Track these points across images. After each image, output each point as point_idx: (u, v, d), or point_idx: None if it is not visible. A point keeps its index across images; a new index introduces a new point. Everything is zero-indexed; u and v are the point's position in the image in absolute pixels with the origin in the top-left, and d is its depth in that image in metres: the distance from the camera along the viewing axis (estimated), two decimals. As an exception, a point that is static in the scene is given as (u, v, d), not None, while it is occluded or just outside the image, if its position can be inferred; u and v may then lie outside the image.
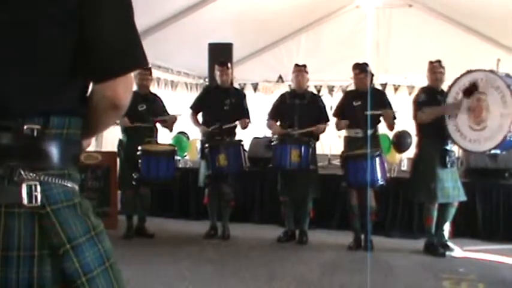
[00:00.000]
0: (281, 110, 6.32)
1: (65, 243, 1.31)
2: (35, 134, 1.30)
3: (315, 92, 9.10)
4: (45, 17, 1.30)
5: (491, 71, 5.28)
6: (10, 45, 1.30)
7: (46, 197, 1.31)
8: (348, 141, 6.03)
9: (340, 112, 6.18)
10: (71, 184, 1.38)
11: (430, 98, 5.69)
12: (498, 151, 5.48)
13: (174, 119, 6.45)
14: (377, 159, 5.72)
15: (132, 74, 1.45)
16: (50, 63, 1.33)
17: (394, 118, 5.99)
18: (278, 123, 6.32)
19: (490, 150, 5.34)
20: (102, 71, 1.37)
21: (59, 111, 1.34)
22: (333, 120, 6.28)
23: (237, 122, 6.30)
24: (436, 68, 5.75)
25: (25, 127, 1.28)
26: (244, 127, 6.38)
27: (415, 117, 5.77)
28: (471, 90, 5.27)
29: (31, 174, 1.29)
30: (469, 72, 5.41)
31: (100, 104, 1.41)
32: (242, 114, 6.37)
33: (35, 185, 1.29)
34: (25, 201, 1.28)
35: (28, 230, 1.28)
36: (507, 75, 5.27)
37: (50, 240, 1.30)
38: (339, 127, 6.18)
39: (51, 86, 1.33)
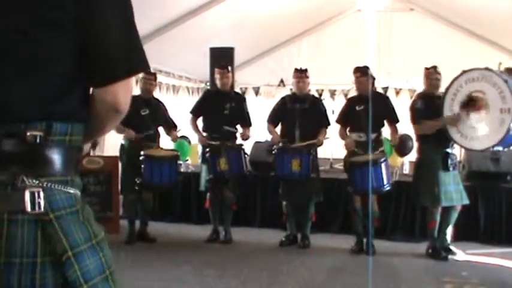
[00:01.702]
0: (282, 114, 6.30)
1: (67, 251, 1.30)
2: (38, 140, 1.29)
3: (317, 95, 9.10)
4: (45, 22, 1.30)
5: (487, 69, 5.29)
6: (11, 51, 1.30)
7: (49, 203, 1.30)
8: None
9: (343, 119, 6.17)
10: (74, 190, 1.38)
11: (427, 104, 5.69)
12: (500, 148, 5.48)
13: (175, 138, 6.56)
14: (383, 164, 5.71)
15: (133, 78, 1.44)
16: (51, 68, 1.32)
17: (397, 122, 5.99)
18: (279, 127, 6.32)
19: (492, 147, 5.35)
20: (102, 75, 1.37)
21: (61, 116, 1.33)
22: (334, 125, 6.28)
23: (237, 134, 6.33)
24: (431, 74, 5.74)
25: (28, 133, 1.28)
26: (244, 139, 6.38)
27: (414, 123, 5.77)
28: (469, 104, 5.29)
29: (34, 180, 1.29)
30: (464, 72, 5.41)
31: (100, 108, 1.41)
32: (242, 118, 6.37)
33: (38, 192, 1.29)
34: (28, 208, 1.28)
35: (31, 236, 1.28)
36: (502, 71, 5.29)
37: (53, 247, 1.29)
38: (342, 137, 6.14)
39: (53, 91, 1.33)
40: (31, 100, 1.31)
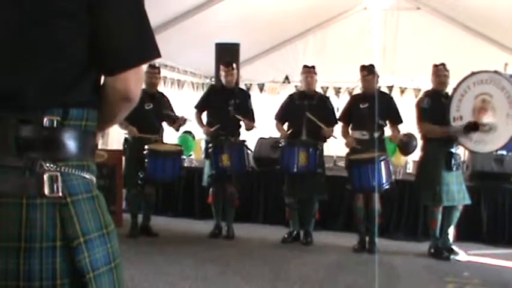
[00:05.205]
0: (289, 111, 6.30)
1: (79, 236, 1.32)
2: (55, 125, 1.31)
3: (322, 93, 9.09)
4: (58, 10, 1.32)
5: (496, 72, 5.27)
6: (27, 40, 1.32)
7: (67, 187, 1.32)
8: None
9: (346, 117, 6.15)
10: (89, 176, 1.40)
11: (434, 102, 5.67)
12: (504, 152, 5.46)
13: (182, 121, 6.34)
14: (382, 163, 5.70)
15: (143, 67, 1.45)
16: (66, 56, 1.34)
17: (400, 122, 5.97)
18: (286, 124, 6.30)
19: (496, 150, 5.34)
20: (113, 64, 1.38)
21: (76, 103, 1.36)
22: (338, 124, 6.26)
23: (241, 123, 6.30)
24: (440, 71, 5.73)
25: (45, 119, 1.30)
26: (248, 129, 6.36)
27: (419, 122, 5.75)
28: (471, 128, 5.27)
29: (52, 165, 1.31)
30: (473, 73, 5.39)
31: (111, 97, 1.42)
32: (246, 115, 6.36)
33: (56, 176, 1.31)
34: (47, 191, 1.29)
35: (50, 220, 1.29)
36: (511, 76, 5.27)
37: (67, 231, 1.31)
38: (344, 136, 6.14)
39: (68, 78, 1.35)
40: (48, 88, 1.33)
